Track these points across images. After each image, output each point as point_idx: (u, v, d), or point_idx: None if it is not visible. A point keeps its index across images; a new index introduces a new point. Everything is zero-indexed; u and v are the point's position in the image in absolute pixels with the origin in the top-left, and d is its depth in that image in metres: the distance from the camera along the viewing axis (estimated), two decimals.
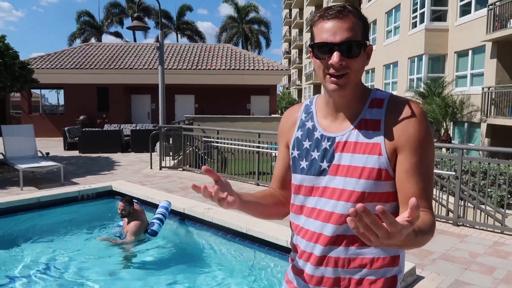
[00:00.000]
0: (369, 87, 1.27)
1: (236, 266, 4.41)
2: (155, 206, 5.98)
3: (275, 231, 4.56)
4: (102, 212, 6.47)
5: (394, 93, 1.31)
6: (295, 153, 1.28)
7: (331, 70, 1.12)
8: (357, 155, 1.14)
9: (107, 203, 6.62)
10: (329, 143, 1.20)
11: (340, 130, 1.20)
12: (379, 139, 1.13)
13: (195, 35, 39.01)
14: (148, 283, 4.01)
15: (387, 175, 1.13)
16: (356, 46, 1.11)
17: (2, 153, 8.19)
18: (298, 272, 1.27)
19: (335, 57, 1.09)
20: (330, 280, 1.19)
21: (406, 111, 1.13)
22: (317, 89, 39.70)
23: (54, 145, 13.76)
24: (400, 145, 1.11)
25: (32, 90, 19.54)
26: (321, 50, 1.12)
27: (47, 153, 8.77)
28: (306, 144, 1.25)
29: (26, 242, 5.03)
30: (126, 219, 4.92)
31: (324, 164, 1.19)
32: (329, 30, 1.10)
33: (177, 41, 38.46)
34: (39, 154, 8.57)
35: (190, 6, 38.51)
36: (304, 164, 1.24)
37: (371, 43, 1.19)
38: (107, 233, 5.20)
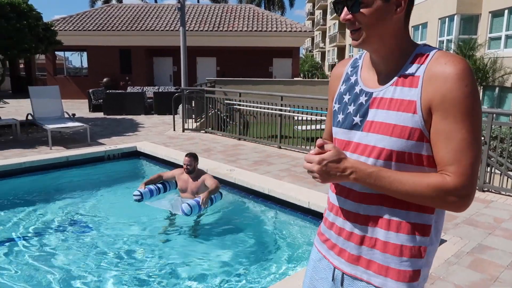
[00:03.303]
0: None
1: (258, 227, 4.50)
2: (179, 166, 6.10)
3: (296, 192, 4.60)
4: (128, 171, 6.67)
5: None
6: (336, 106, 1.28)
7: (347, 26, 1.15)
8: (391, 112, 1.10)
9: (133, 163, 6.80)
10: (365, 98, 1.17)
11: (378, 86, 1.16)
12: (415, 96, 1.07)
13: None
14: (170, 238, 4.15)
15: (421, 135, 1.07)
16: (357, 1, 1.08)
17: (31, 114, 8.42)
18: (330, 225, 1.29)
19: (342, 13, 1.12)
20: (357, 236, 1.19)
21: (447, 67, 1.03)
22: (341, 52, 38.64)
23: (79, 107, 14.04)
24: (434, 104, 1.04)
25: (56, 53, 19.73)
26: (335, 7, 1.16)
27: (73, 114, 8.96)
28: (346, 98, 1.24)
29: (55, 199, 5.25)
30: (187, 176, 4.75)
31: (357, 119, 1.18)
32: None
33: (198, 1, 37.71)
34: (66, 115, 8.77)
35: None
36: (340, 117, 1.24)
37: None
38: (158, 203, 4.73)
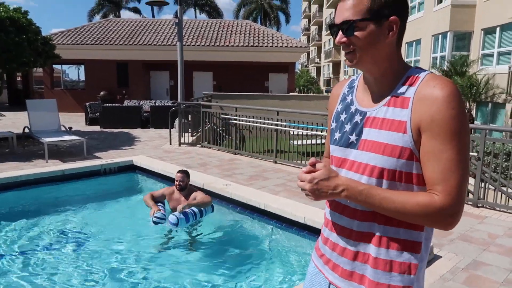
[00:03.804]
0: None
1: (254, 242, 4.50)
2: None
3: (292, 207, 4.62)
4: (124, 185, 6.66)
5: None
6: (333, 125, 1.34)
7: (342, 48, 1.21)
8: (383, 131, 1.15)
9: (129, 177, 6.79)
10: (360, 117, 1.23)
11: (372, 105, 1.22)
12: (405, 117, 1.12)
13: (213, 11, 38.58)
14: (165, 254, 4.15)
15: (410, 154, 1.11)
16: (351, 25, 1.14)
17: (27, 127, 8.43)
18: (325, 240, 1.33)
19: (337, 37, 1.19)
20: (351, 252, 1.23)
21: (436, 90, 1.08)
22: (336, 67, 39.03)
23: (76, 120, 14.05)
24: (423, 125, 1.08)
25: (53, 66, 19.80)
26: (331, 30, 1.22)
27: (70, 128, 8.97)
28: (343, 117, 1.30)
29: (51, 213, 5.23)
30: (178, 194, 4.72)
31: (353, 137, 1.23)
32: (336, 11, 1.21)
33: (195, 17, 38.14)
34: (63, 129, 8.78)
35: None
36: (337, 135, 1.29)
37: (395, 16, 1.13)
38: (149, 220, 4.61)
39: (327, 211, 1.33)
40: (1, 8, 8.22)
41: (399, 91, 1.16)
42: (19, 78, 23.81)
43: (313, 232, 4.21)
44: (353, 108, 1.27)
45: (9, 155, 7.73)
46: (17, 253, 4.04)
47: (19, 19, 8.60)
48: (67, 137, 7.97)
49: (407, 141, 1.11)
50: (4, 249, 4.14)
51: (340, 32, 1.17)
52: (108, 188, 6.43)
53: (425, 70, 1.18)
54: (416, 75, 1.16)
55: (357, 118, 1.23)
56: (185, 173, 4.74)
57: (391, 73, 1.19)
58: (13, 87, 21.53)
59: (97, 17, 36.46)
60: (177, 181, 4.69)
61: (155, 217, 4.48)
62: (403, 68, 1.20)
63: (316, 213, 4.38)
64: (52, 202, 5.78)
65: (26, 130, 8.45)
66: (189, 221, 4.49)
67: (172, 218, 4.37)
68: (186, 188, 4.73)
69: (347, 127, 1.26)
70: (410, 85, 1.15)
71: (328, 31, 39.78)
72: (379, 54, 1.16)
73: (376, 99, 1.21)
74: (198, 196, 4.68)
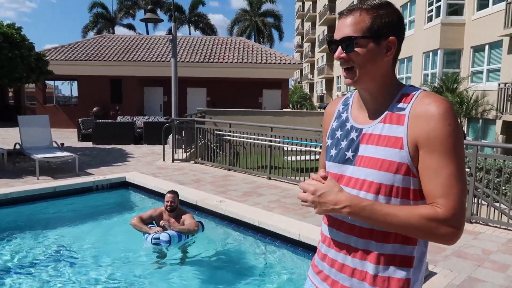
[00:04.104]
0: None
1: (248, 259, 4.45)
2: None
3: (286, 224, 4.59)
4: (117, 202, 6.58)
5: None
6: (329, 142, 1.35)
7: (341, 64, 1.23)
8: (380, 147, 1.17)
9: (122, 194, 6.72)
10: (356, 134, 1.25)
11: (367, 122, 1.24)
12: (401, 133, 1.15)
13: (207, 28, 39.00)
14: (158, 272, 4.08)
15: (407, 170, 1.14)
16: (352, 42, 1.17)
17: (18, 143, 8.35)
18: (323, 256, 1.33)
19: (336, 52, 1.21)
20: (349, 268, 1.23)
21: (431, 107, 1.11)
22: (329, 84, 39.44)
23: (68, 136, 13.96)
24: (420, 141, 1.11)
25: (46, 81, 19.77)
26: (330, 46, 1.25)
27: (62, 144, 8.90)
28: (338, 133, 1.32)
29: (42, 230, 5.14)
30: (167, 215, 4.60)
31: (349, 154, 1.25)
32: (336, 28, 1.24)
33: (189, 34, 38.48)
34: (54, 145, 8.70)
35: (203, 0, 38.53)
36: (333, 152, 1.31)
37: (393, 37, 1.18)
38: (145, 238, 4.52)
39: (324, 228, 1.33)
40: None
41: (394, 108, 1.19)
42: (10, 94, 23.71)
43: (308, 249, 4.17)
44: (348, 125, 1.29)
45: None
46: (7, 271, 3.95)
47: (12, 35, 8.61)
48: (59, 154, 7.89)
49: (404, 156, 1.13)
50: None
51: (340, 48, 1.20)
52: (101, 204, 6.35)
53: (418, 88, 1.22)
54: (411, 93, 1.20)
55: (353, 134, 1.25)
56: (175, 194, 4.66)
57: (386, 90, 1.22)
58: (5, 102, 21.42)
59: (91, 34, 36.67)
60: (167, 201, 4.58)
61: (154, 238, 4.32)
62: (396, 85, 1.23)
63: (311, 230, 4.35)
64: (43, 219, 5.69)
65: (17, 147, 8.36)
66: (181, 239, 4.44)
67: (164, 236, 4.32)
68: (176, 209, 4.64)
69: (343, 144, 1.27)
70: (405, 102, 1.18)
71: (321, 48, 40.45)
72: (376, 72, 1.20)
73: (372, 116, 1.24)
74: (187, 220, 4.58)
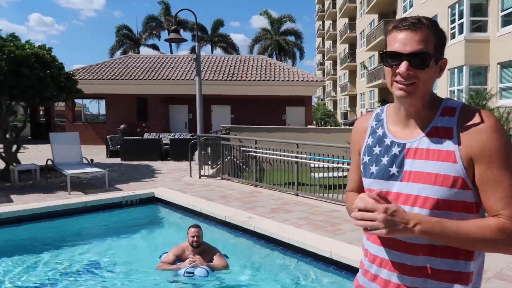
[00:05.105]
0: None
1: (278, 277, 4.39)
2: (196, 213, 6.09)
3: (317, 241, 4.53)
4: (145, 218, 6.66)
5: None
6: (366, 158, 1.32)
7: (398, 78, 1.17)
8: (430, 161, 1.15)
9: (150, 209, 6.79)
10: (399, 149, 1.23)
11: (411, 137, 1.22)
12: (453, 147, 1.13)
13: (229, 47, 39.67)
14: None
15: (463, 183, 1.12)
16: (425, 58, 1.14)
17: (50, 159, 8.60)
18: (373, 277, 1.29)
19: (403, 66, 1.15)
20: None
21: (479, 121, 1.13)
22: (352, 100, 39.24)
23: (97, 152, 14.28)
24: (475, 155, 1.11)
25: (75, 100, 20.41)
26: (391, 58, 1.18)
27: (92, 160, 9.12)
28: (377, 150, 1.29)
29: (74, 244, 5.24)
30: (191, 252, 4.30)
31: (393, 169, 1.22)
32: (401, 41, 1.16)
33: (212, 53, 39.25)
34: (85, 161, 8.92)
35: (223, 21, 39.52)
36: (373, 169, 1.28)
37: (445, 57, 1.21)
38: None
39: (373, 247, 1.29)
40: (26, 45, 8.59)
41: (439, 122, 1.19)
42: (41, 112, 24.55)
43: (340, 267, 4.09)
44: (387, 141, 1.27)
45: (31, 187, 7.85)
46: (38, 283, 4.02)
47: (43, 56, 8.95)
48: (89, 169, 8.08)
49: (458, 170, 1.12)
50: (28, 279, 4.13)
51: (407, 63, 1.14)
52: (130, 219, 6.43)
53: (458, 101, 1.22)
54: (452, 106, 1.20)
55: (395, 150, 1.23)
56: (199, 228, 4.37)
57: (429, 105, 1.22)
58: (36, 121, 22.17)
59: (118, 54, 37.86)
60: (192, 236, 4.24)
61: (188, 273, 4.07)
62: (435, 99, 1.23)
63: (343, 248, 4.27)
64: (74, 234, 5.80)
65: (49, 162, 8.61)
66: (213, 274, 4.21)
67: (201, 271, 4.07)
68: (201, 244, 4.33)
69: (384, 160, 1.25)
70: (450, 115, 1.18)
71: (343, 65, 40.42)
72: (429, 88, 1.20)
73: (413, 130, 1.22)
74: (217, 260, 4.29)
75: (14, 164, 8.64)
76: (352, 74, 39.02)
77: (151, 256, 4.67)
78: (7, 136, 9.10)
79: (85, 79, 18.47)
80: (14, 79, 7.84)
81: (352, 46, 38.54)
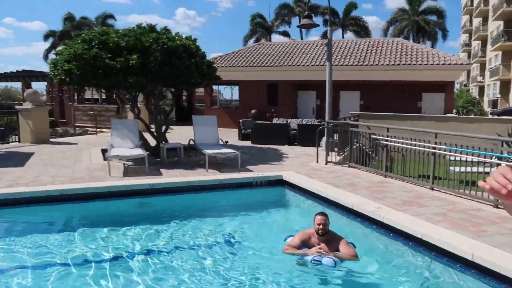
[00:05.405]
0: None
1: (408, 273, 4.13)
2: (323, 199, 6.09)
3: (456, 240, 4.11)
4: (273, 199, 6.95)
5: None
6: None
7: None
8: None
9: (278, 191, 7.05)
10: None
11: None
12: None
13: (362, 30, 38.10)
14: (302, 275, 4.09)
15: None
16: None
17: (192, 139, 9.55)
18: None
19: None
20: None
21: None
22: (505, 86, 34.10)
23: (229, 135, 15.32)
24: None
25: (212, 86, 22.15)
26: None
27: (226, 142, 9.82)
28: None
29: (208, 217, 5.79)
30: (317, 239, 4.26)
31: None
32: None
33: (342, 37, 38.22)
34: (220, 142, 9.67)
35: (355, 3, 38.01)
36: None
37: None
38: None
39: None
40: (176, 37, 9.55)
41: None
42: (184, 97, 27.35)
43: (484, 272, 3.66)
44: None
45: (176, 164, 8.85)
46: (171, 250, 4.54)
47: (189, 46, 9.86)
48: (224, 150, 8.73)
49: None
50: (170, 243, 4.70)
51: None
52: (258, 199, 6.79)
53: None
54: None
55: None
56: (326, 216, 4.28)
57: None
58: (180, 105, 24.81)
59: (251, 42, 39.68)
60: (319, 224, 4.18)
61: (315, 260, 4.03)
62: None
63: (489, 251, 3.80)
64: (210, 207, 6.40)
65: (191, 142, 9.57)
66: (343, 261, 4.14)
67: (328, 261, 3.99)
68: (327, 233, 4.25)
69: None
70: None
71: (495, 46, 35.25)
72: None
73: None
74: (343, 248, 4.16)
75: (163, 142, 9.83)
76: (507, 55, 33.71)
77: (276, 237, 4.83)
78: (159, 118, 10.37)
79: (221, 66, 19.86)
80: (166, 69, 8.82)
81: (508, 23, 33.17)
